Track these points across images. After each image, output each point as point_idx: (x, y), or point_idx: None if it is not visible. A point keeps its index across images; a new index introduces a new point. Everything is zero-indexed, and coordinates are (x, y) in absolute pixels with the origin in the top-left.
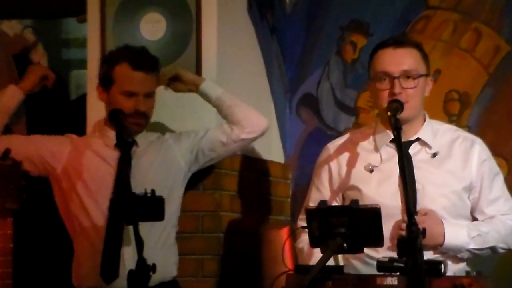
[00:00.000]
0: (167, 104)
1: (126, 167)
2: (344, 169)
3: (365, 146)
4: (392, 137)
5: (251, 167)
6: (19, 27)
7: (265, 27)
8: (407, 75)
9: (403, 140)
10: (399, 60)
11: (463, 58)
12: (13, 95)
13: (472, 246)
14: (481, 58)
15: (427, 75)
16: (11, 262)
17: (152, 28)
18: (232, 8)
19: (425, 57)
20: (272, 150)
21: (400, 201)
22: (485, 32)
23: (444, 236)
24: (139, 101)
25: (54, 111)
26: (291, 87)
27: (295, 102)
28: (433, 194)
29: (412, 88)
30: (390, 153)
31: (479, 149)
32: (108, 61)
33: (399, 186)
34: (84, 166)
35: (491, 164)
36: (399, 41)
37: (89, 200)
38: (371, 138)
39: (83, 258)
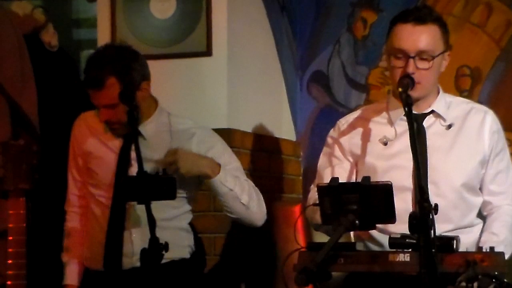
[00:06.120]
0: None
1: (138, 148)
2: (356, 144)
3: (378, 120)
4: None
5: (262, 145)
6: (29, 7)
7: (276, 4)
8: (422, 55)
9: (417, 112)
10: (417, 38)
11: (474, 33)
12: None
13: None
14: (493, 33)
15: (444, 51)
16: (24, 242)
17: (162, 7)
18: None
19: (445, 32)
20: (283, 128)
21: (411, 177)
22: (496, 6)
23: None
24: (101, 112)
25: (66, 91)
26: (302, 65)
27: (306, 80)
28: (448, 168)
29: (426, 69)
30: (404, 127)
31: (490, 121)
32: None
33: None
34: (90, 151)
35: (500, 137)
36: (420, 17)
37: (94, 185)
38: (384, 113)
39: (91, 240)
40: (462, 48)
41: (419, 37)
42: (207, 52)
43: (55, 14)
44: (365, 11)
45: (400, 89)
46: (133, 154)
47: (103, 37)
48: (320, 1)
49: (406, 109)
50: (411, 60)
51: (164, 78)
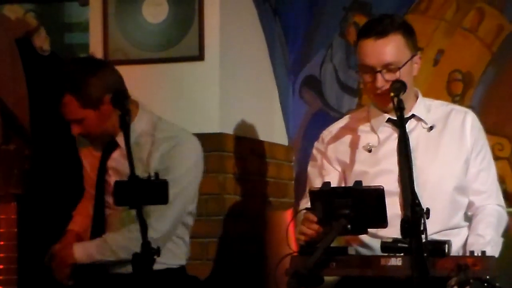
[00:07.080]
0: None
1: (130, 153)
2: (341, 152)
3: (362, 129)
4: (387, 118)
5: (254, 149)
6: (21, 11)
7: (268, 9)
8: (389, 67)
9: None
10: (380, 52)
11: (466, 38)
12: None
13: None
14: (484, 37)
15: (413, 56)
16: (15, 247)
17: (154, 11)
18: None
19: (410, 38)
20: (276, 132)
21: (397, 181)
22: (488, 11)
23: None
24: (71, 127)
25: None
26: (294, 69)
27: (298, 84)
28: (436, 171)
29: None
30: (387, 133)
31: (471, 120)
32: None
33: (398, 165)
34: (83, 158)
35: (481, 135)
36: (380, 31)
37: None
38: (367, 121)
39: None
40: (454, 52)
41: (382, 50)
42: (199, 57)
43: (47, 18)
44: (358, 15)
45: (392, 94)
46: (110, 163)
47: (95, 41)
48: (312, 6)
49: (398, 113)
50: (378, 75)
51: (156, 82)
